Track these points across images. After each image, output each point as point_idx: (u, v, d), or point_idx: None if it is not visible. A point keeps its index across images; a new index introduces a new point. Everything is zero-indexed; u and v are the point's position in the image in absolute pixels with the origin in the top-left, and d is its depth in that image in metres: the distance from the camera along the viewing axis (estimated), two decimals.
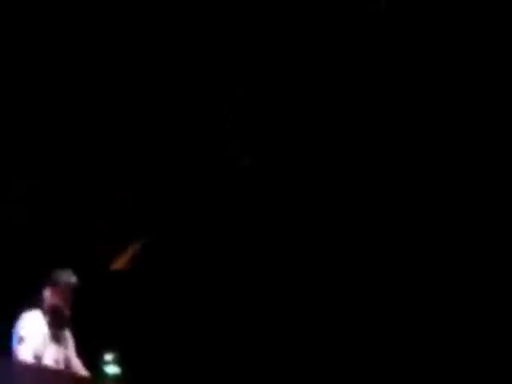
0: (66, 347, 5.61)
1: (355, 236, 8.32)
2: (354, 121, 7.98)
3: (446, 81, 7.53)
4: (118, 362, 6.73)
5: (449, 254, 8.03)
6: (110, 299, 8.06)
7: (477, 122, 7.66)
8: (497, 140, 7.67)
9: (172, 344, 8.29)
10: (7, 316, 5.53)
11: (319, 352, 8.24)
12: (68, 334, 5.68)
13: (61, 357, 5.53)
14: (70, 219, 8.33)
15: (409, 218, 8.14)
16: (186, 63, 7.77)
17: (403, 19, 7.30)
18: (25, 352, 5.29)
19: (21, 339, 5.36)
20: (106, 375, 6.72)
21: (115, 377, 6.78)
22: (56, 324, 5.53)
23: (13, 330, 5.49)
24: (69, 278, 5.58)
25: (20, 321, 5.49)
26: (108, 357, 6.73)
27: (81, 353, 5.77)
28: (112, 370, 6.67)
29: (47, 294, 5.54)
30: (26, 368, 5.12)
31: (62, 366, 5.49)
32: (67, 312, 5.54)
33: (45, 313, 5.52)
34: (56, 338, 5.55)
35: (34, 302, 5.56)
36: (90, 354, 5.93)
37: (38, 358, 5.33)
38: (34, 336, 5.37)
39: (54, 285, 5.54)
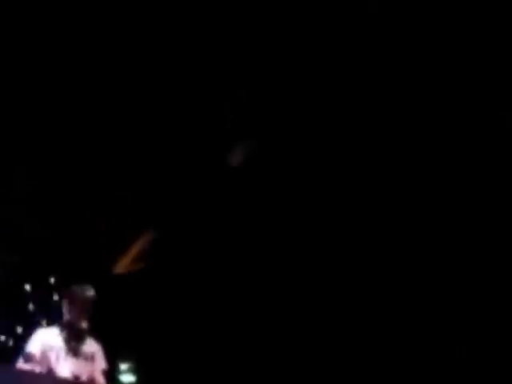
0: (88, 361, 5.62)
1: (353, 235, 8.36)
2: (353, 120, 7.99)
3: (439, 81, 7.55)
4: (133, 371, 6.74)
5: (449, 254, 8.08)
6: (124, 308, 8.06)
7: (470, 122, 7.69)
8: (495, 140, 7.71)
9: (187, 352, 8.31)
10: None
11: (323, 353, 8.30)
12: (92, 348, 5.69)
13: (81, 370, 5.53)
14: (72, 223, 8.31)
15: (408, 217, 8.18)
16: (186, 62, 7.72)
17: (395, 18, 7.31)
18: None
19: (25, 356, 5.42)
20: None
21: None
22: (74, 338, 5.55)
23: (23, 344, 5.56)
24: (86, 292, 5.60)
25: (32, 337, 5.54)
26: (123, 366, 6.73)
27: None
28: (127, 379, 6.69)
29: (65, 308, 5.56)
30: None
31: (83, 380, 5.49)
32: (85, 326, 5.55)
33: (63, 327, 5.54)
34: (74, 351, 5.56)
35: (53, 318, 5.58)
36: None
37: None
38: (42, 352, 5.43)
39: (72, 299, 5.56)
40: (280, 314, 8.46)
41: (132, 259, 8.33)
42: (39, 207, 8.34)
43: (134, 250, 8.37)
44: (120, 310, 7.89)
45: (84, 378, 5.51)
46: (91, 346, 5.69)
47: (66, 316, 5.57)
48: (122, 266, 8.32)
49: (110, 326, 6.02)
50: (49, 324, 5.75)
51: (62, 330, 5.56)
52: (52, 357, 5.46)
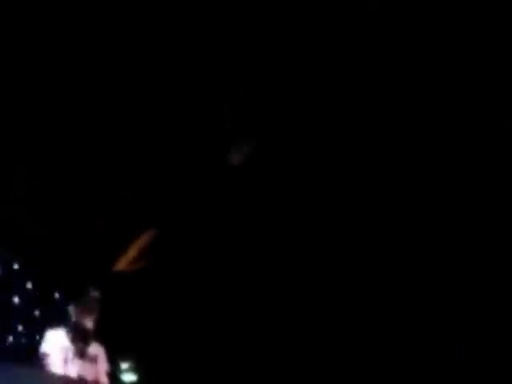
0: (92, 363, 5.66)
1: (355, 237, 8.38)
2: (353, 119, 8.00)
3: (439, 81, 7.57)
4: (134, 370, 6.76)
5: (449, 254, 8.11)
6: (124, 307, 8.07)
7: (470, 122, 7.70)
8: (495, 140, 7.73)
9: (188, 350, 8.32)
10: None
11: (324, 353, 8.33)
12: (96, 350, 5.74)
13: (87, 372, 5.58)
14: (73, 222, 8.32)
15: (408, 217, 8.21)
16: (186, 61, 7.72)
17: (395, 18, 7.32)
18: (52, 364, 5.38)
19: (42, 355, 5.44)
20: None
21: None
22: (80, 339, 5.58)
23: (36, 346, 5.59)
24: (92, 293, 5.63)
25: (43, 339, 5.57)
26: (124, 365, 6.76)
27: None
28: (128, 378, 6.71)
29: (72, 310, 5.60)
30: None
31: (88, 382, 5.54)
32: (92, 327, 5.59)
33: (70, 330, 5.58)
34: (81, 354, 5.60)
35: (58, 319, 5.62)
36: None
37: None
38: (54, 353, 5.47)
39: (84, 305, 5.60)
40: (280, 312, 8.48)
41: (133, 258, 8.34)
42: (39, 207, 8.35)
43: (135, 248, 8.37)
44: (120, 308, 7.90)
45: (89, 379, 5.56)
46: (95, 347, 5.73)
47: (72, 317, 5.61)
48: (123, 264, 8.33)
49: (110, 324, 6.03)
50: (51, 324, 5.74)
51: (68, 331, 5.61)
52: (62, 358, 5.52)
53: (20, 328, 8.05)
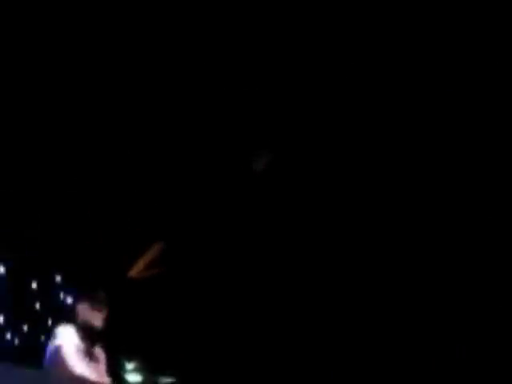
0: (97, 363, 5.66)
1: (374, 243, 8.40)
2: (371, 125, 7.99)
3: (440, 81, 7.55)
4: (139, 370, 6.77)
5: (449, 254, 8.13)
6: (131, 307, 8.08)
7: (470, 122, 7.68)
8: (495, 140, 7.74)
9: (193, 351, 8.33)
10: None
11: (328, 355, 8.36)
12: (99, 350, 5.74)
13: (93, 372, 5.54)
14: (85, 227, 8.33)
15: (409, 218, 8.23)
16: (196, 65, 7.69)
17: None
18: (68, 353, 5.35)
19: (59, 348, 5.39)
20: None
21: None
22: (88, 339, 5.57)
23: (45, 343, 5.57)
24: (102, 293, 5.65)
25: (55, 334, 5.53)
26: (129, 366, 6.76)
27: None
28: (133, 378, 6.71)
29: (81, 309, 5.59)
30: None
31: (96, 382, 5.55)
32: (100, 327, 5.60)
33: (78, 328, 5.57)
34: (88, 353, 5.58)
35: (66, 318, 5.62)
36: (111, 363, 5.98)
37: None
38: (71, 345, 5.43)
39: (88, 300, 5.59)
40: (292, 320, 8.49)
41: (144, 266, 8.37)
42: (54, 209, 8.33)
43: (146, 257, 8.41)
44: (127, 310, 7.92)
45: (94, 379, 5.55)
46: (98, 347, 5.75)
47: (81, 316, 5.59)
48: (135, 271, 8.36)
49: (116, 325, 6.07)
50: (55, 324, 5.74)
51: (77, 330, 5.57)
52: (77, 355, 5.49)
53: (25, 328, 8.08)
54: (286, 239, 8.53)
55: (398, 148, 7.98)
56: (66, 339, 5.46)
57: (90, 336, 5.58)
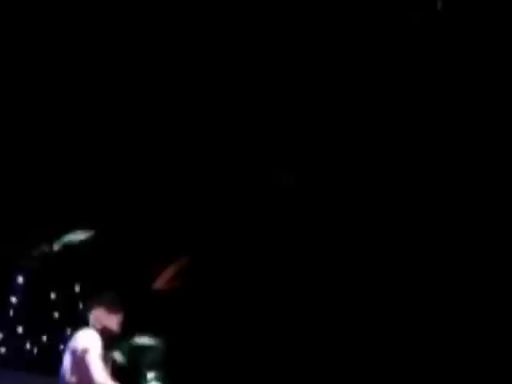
0: (111, 369, 5.56)
1: (374, 243, 8.32)
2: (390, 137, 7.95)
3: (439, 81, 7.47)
4: (160, 379, 6.69)
5: (449, 254, 8.03)
6: (152, 316, 8.06)
7: (470, 121, 7.60)
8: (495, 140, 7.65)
9: (214, 361, 8.32)
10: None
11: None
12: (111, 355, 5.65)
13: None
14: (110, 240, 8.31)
15: (411, 219, 8.15)
16: (219, 77, 7.64)
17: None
18: (94, 360, 5.21)
19: (85, 350, 5.26)
20: None
21: None
22: (106, 345, 5.47)
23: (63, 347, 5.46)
24: (115, 296, 5.55)
25: (77, 338, 5.41)
26: (150, 375, 6.69)
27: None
28: None
29: (99, 315, 5.48)
30: None
31: None
32: (117, 332, 5.49)
33: (98, 333, 5.45)
34: (105, 359, 5.48)
35: (84, 322, 5.51)
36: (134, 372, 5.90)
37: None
38: (96, 351, 5.29)
39: (107, 306, 5.49)
40: (292, 320, 8.41)
41: (169, 278, 8.39)
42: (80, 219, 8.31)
43: (171, 270, 8.41)
44: (153, 319, 7.92)
45: None
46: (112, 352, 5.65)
47: (101, 322, 5.47)
48: (160, 283, 8.38)
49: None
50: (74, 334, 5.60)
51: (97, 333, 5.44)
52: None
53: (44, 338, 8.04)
54: (308, 250, 8.47)
55: (398, 148, 7.95)
56: (92, 344, 5.33)
57: (108, 342, 5.47)
